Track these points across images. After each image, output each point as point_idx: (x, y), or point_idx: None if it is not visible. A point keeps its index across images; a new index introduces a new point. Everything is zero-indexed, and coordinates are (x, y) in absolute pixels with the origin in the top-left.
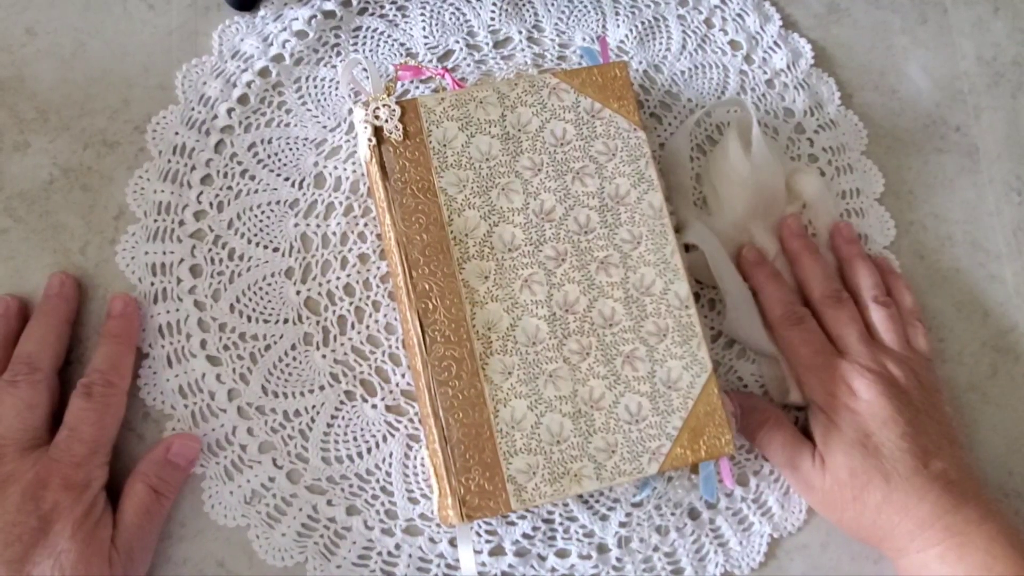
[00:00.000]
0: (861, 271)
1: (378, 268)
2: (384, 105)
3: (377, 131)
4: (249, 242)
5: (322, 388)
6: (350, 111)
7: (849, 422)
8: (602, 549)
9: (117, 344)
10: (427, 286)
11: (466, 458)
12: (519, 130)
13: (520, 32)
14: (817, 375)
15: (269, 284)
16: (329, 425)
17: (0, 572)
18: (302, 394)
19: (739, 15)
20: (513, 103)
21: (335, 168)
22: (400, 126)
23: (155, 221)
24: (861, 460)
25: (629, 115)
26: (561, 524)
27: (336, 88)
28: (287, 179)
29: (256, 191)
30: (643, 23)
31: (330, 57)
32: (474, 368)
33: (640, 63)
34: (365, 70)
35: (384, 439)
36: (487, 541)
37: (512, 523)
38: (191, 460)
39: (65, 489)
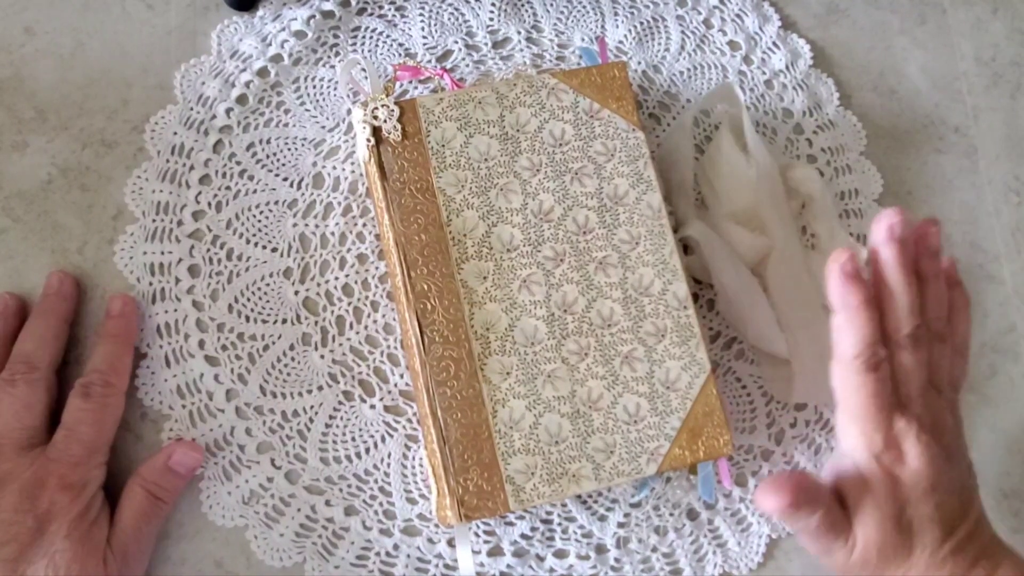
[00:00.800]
0: (932, 298)
1: (376, 268)
2: (383, 105)
3: (376, 131)
4: (248, 242)
5: (320, 388)
6: (349, 111)
7: (888, 493)
8: (600, 549)
9: (116, 344)
10: (426, 286)
11: (464, 458)
12: (518, 130)
13: (519, 32)
14: (869, 431)
15: (267, 284)
16: (327, 425)
17: None
18: (300, 394)
19: (738, 16)
20: (512, 103)
21: (334, 168)
22: (399, 126)
23: (153, 221)
24: (893, 538)
25: (628, 115)
26: (559, 524)
27: (335, 88)
28: (285, 179)
29: (255, 191)
30: (642, 23)
31: (329, 57)
32: (472, 368)
33: (639, 63)
34: (364, 70)
35: (382, 439)
36: (485, 541)
37: (510, 523)
38: (191, 469)
39: (62, 489)
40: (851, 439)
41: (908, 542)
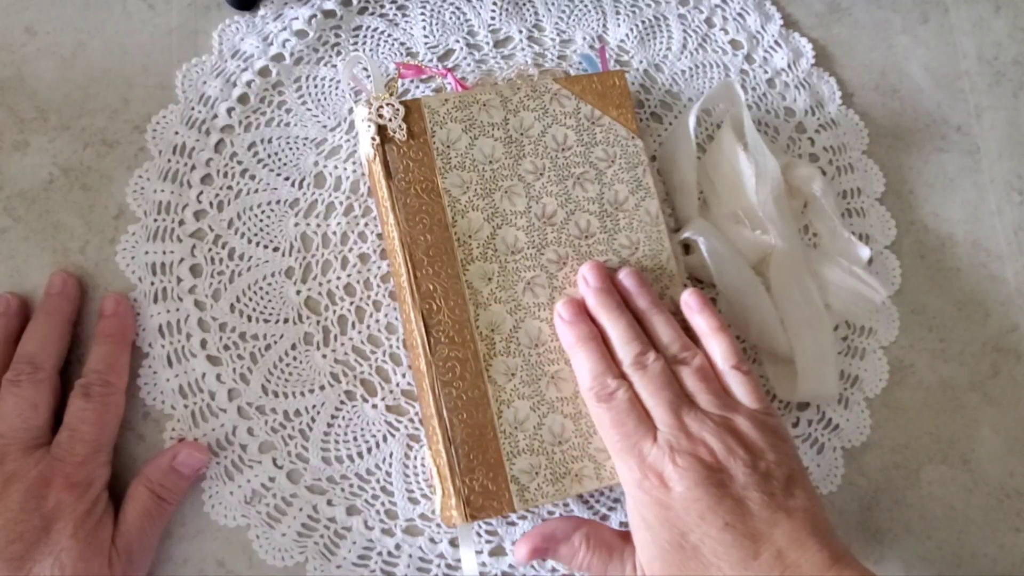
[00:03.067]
0: (654, 328)
1: (379, 268)
2: (388, 104)
3: (381, 130)
4: (249, 242)
5: (322, 388)
6: (350, 110)
7: (663, 520)
8: None
9: (112, 343)
10: (431, 287)
11: (470, 459)
12: (521, 134)
13: (520, 31)
14: (624, 460)
15: (269, 284)
16: (329, 425)
17: (1, 570)
18: (302, 394)
19: (740, 14)
20: (516, 107)
21: (335, 168)
22: (404, 125)
23: (155, 221)
24: (680, 566)
25: (627, 123)
26: None
27: (336, 87)
28: (287, 179)
29: (256, 191)
30: (644, 22)
31: (330, 56)
32: (478, 369)
33: (641, 62)
34: (366, 69)
35: (384, 439)
36: (488, 541)
37: (513, 523)
38: (196, 470)
39: (68, 488)
40: (620, 474)
41: (702, 568)
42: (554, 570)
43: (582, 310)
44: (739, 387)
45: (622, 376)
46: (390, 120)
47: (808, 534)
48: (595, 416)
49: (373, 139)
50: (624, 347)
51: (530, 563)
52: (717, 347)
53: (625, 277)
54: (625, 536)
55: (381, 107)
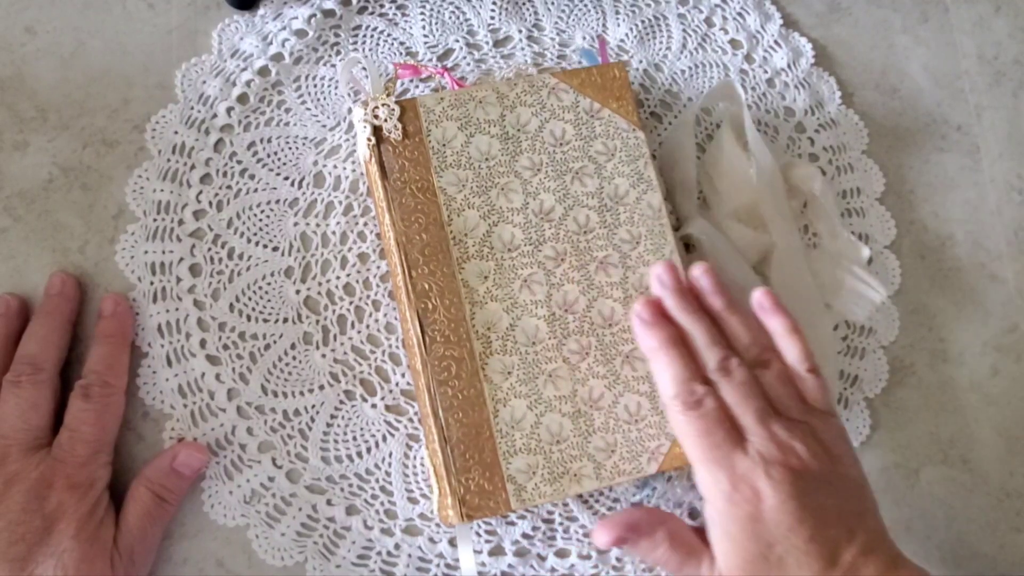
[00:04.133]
0: (733, 330)
1: (378, 267)
2: (383, 104)
3: (376, 130)
4: (249, 241)
5: (322, 388)
6: (349, 110)
7: (751, 534)
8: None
9: (111, 344)
10: (427, 286)
11: (466, 458)
12: (518, 130)
13: (520, 31)
14: (713, 473)
15: (269, 283)
16: (329, 425)
17: (3, 571)
18: (302, 393)
19: (740, 14)
20: (512, 103)
21: (335, 167)
22: (399, 125)
23: (154, 220)
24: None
25: (628, 115)
26: (561, 524)
27: (335, 87)
28: (287, 178)
29: (256, 190)
30: (643, 22)
31: (330, 56)
32: (474, 368)
33: (640, 62)
34: (364, 69)
35: (384, 439)
36: (487, 541)
37: (512, 523)
38: (196, 470)
39: (69, 489)
40: (701, 483)
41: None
42: (553, 570)
43: (662, 311)
44: (814, 390)
45: (706, 381)
46: (385, 120)
47: (878, 530)
48: (679, 425)
49: (369, 140)
50: (707, 351)
51: (610, 548)
52: (793, 349)
53: (701, 275)
54: (704, 537)
55: (377, 107)
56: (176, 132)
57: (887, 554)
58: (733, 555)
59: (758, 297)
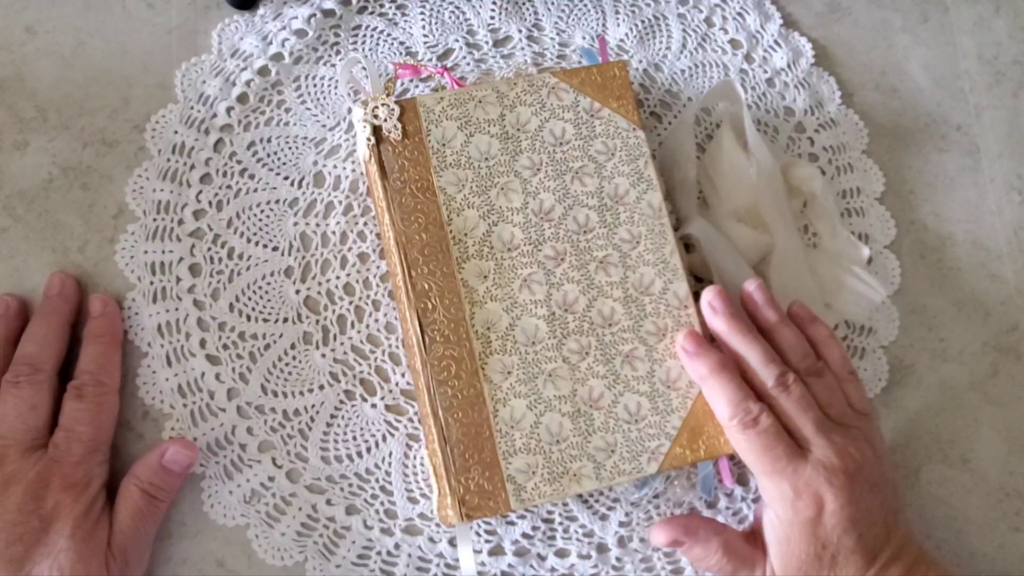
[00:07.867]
0: (785, 344)
1: (378, 267)
2: (383, 104)
3: (376, 130)
4: (248, 241)
5: (322, 387)
6: (349, 110)
7: (809, 536)
8: (602, 549)
9: (102, 344)
10: (426, 285)
11: (465, 458)
12: (518, 129)
13: (520, 31)
14: (777, 484)
15: (268, 283)
16: (329, 424)
17: (2, 571)
18: (302, 393)
19: (739, 14)
20: (512, 102)
21: (334, 167)
22: (399, 125)
23: (154, 220)
24: (815, 574)
25: (628, 114)
26: (561, 524)
27: (335, 87)
28: (286, 178)
29: (255, 190)
30: (643, 22)
31: (329, 56)
32: (473, 368)
33: (640, 62)
34: (364, 69)
35: (384, 438)
36: (487, 541)
37: (512, 523)
38: (185, 467)
39: (66, 489)
40: (764, 492)
41: (832, 574)
42: (553, 570)
43: (704, 339)
44: (855, 393)
45: (758, 399)
46: (385, 120)
47: (907, 528)
48: (739, 444)
49: (369, 139)
50: (764, 369)
51: (665, 547)
52: (835, 354)
53: (755, 290)
54: (754, 544)
55: (376, 108)
56: (176, 132)
57: (915, 552)
58: (789, 556)
59: (795, 309)
